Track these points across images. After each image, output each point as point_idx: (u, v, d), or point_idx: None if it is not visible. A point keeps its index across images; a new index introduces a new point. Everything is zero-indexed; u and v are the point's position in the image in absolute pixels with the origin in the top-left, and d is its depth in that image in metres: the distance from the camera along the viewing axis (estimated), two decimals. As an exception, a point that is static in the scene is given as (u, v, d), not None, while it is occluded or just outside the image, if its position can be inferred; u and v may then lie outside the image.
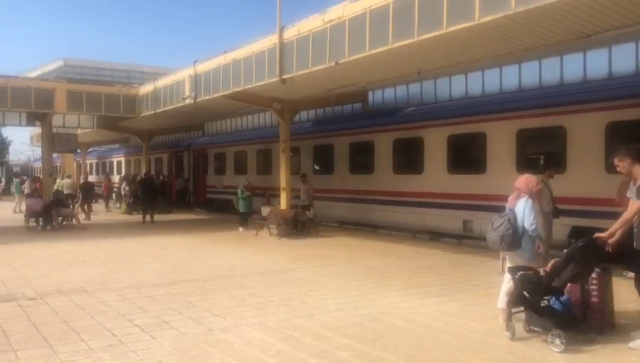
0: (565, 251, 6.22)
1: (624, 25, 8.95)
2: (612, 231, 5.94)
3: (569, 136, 11.61)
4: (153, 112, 20.63)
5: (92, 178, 34.74)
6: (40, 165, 26.42)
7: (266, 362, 5.41)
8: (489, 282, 9.13)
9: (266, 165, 22.07)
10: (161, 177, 27.44)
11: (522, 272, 6.13)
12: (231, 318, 6.98)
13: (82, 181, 23.28)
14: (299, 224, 15.98)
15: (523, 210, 6.48)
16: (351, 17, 11.18)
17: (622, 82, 11.65)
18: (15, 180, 32.40)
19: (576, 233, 10.50)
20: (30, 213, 18.71)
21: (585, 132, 11.31)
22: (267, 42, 13.92)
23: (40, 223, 18.44)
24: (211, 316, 7.07)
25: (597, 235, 6.05)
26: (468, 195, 13.79)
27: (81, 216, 20.11)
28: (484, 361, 5.40)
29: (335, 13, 11.64)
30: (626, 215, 5.89)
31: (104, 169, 39.38)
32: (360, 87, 16.67)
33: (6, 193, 40.41)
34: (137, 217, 21.25)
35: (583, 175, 11.26)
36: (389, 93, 18.83)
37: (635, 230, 5.87)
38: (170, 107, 19.30)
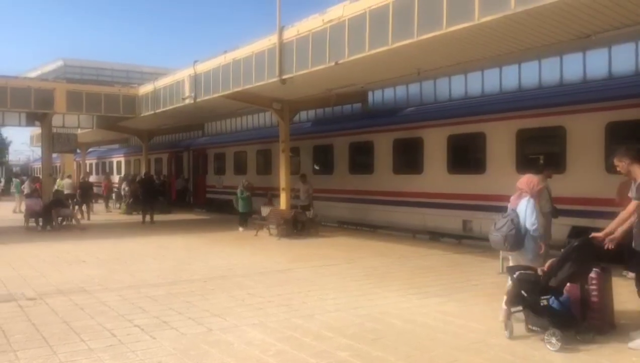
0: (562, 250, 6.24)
1: (623, 25, 8.96)
2: (608, 231, 5.96)
3: (568, 136, 11.61)
4: (153, 112, 20.64)
5: (92, 178, 34.83)
6: (40, 165, 26.43)
7: (266, 362, 5.40)
8: (488, 282, 9.14)
9: (266, 165, 22.06)
10: (162, 177, 27.46)
11: (520, 272, 6.17)
12: (231, 318, 6.98)
13: (80, 181, 23.23)
14: (298, 225, 15.98)
15: (525, 210, 6.50)
16: (351, 17, 11.18)
17: (622, 82, 11.65)
18: (16, 180, 32.38)
19: (576, 233, 10.49)
20: (30, 213, 18.70)
21: (585, 132, 11.32)
22: (266, 42, 13.92)
23: (40, 223, 18.44)
24: (211, 316, 7.07)
25: (593, 234, 6.07)
26: (468, 195, 13.80)
27: (79, 217, 20.08)
28: (483, 361, 5.40)
29: (335, 13, 11.64)
30: (623, 215, 5.92)
31: (104, 169, 39.38)
32: (360, 87, 16.67)
33: (5, 193, 40.42)
34: (137, 217, 21.24)
35: (583, 175, 11.27)
36: (388, 93, 18.83)
37: (635, 230, 5.87)
38: (170, 107, 19.30)
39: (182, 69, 18.47)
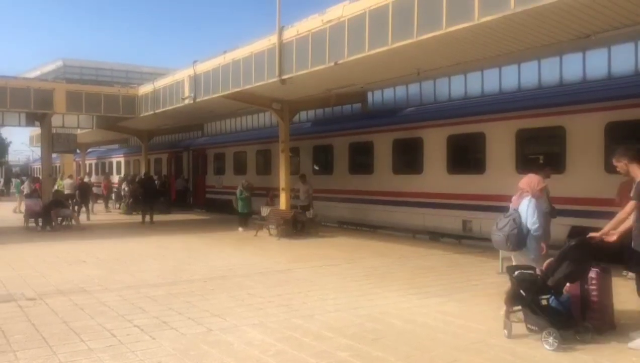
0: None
1: (623, 25, 8.96)
2: (605, 231, 5.97)
3: (568, 136, 11.61)
4: (152, 112, 20.64)
5: (92, 178, 34.83)
6: (40, 165, 26.40)
7: (266, 362, 5.40)
8: (488, 282, 9.14)
9: (265, 165, 22.06)
10: (162, 177, 27.45)
11: (519, 271, 6.19)
12: (231, 318, 6.97)
13: (78, 183, 23.21)
14: (298, 225, 15.98)
15: (526, 210, 6.51)
16: (350, 18, 11.18)
17: (622, 82, 11.65)
18: (16, 181, 32.40)
19: (576, 233, 10.49)
20: (30, 214, 18.71)
21: (584, 132, 11.32)
22: (266, 42, 13.92)
23: (40, 224, 18.44)
24: (211, 316, 7.07)
25: (590, 234, 6.08)
26: (467, 195, 13.80)
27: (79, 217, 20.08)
28: (483, 361, 5.40)
29: (334, 13, 11.64)
30: (620, 215, 5.92)
31: (104, 169, 39.36)
32: (360, 87, 16.68)
33: (5, 193, 40.40)
34: (137, 217, 21.23)
35: (582, 175, 11.27)
36: (388, 93, 18.83)
37: (635, 231, 5.87)
38: (170, 107, 19.31)
39: (182, 70, 18.47)
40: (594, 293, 6.20)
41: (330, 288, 8.79)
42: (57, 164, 37.40)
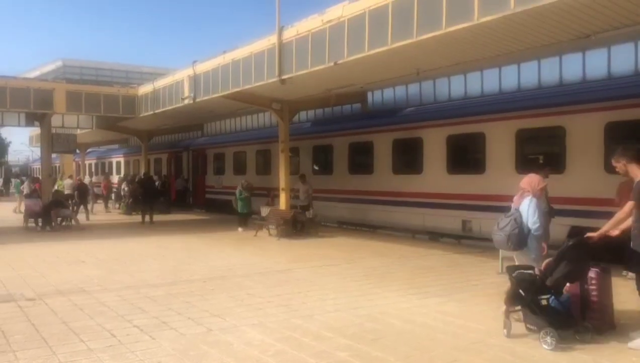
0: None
1: (623, 25, 8.96)
2: (603, 231, 5.96)
3: (568, 136, 11.62)
4: (152, 112, 20.64)
5: (92, 179, 34.83)
6: (40, 166, 26.39)
7: (265, 362, 5.40)
8: (488, 282, 9.14)
9: (265, 165, 22.06)
10: (162, 178, 27.45)
11: (518, 271, 6.20)
12: (230, 318, 6.97)
13: (77, 183, 23.20)
14: (298, 225, 15.97)
15: (527, 209, 6.52)
16: (350, 18, 11.18)
17: (621, 82, 11.65)
18: (16, 181, 32.40)
19: (575, 233, 10.49)
20: (30, 214, 18.70)
21: (584, 132, 11.32)
22: (266, 42, 13.92)
23: (40, 224, 18.43)
24: (210, 316, 7.07)
25: (588, 234, 6.08)
26: (467, 195, 13.80)
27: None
28: (483, 361, 5.39)
29: (334, 13, 11.64)
30: (619, 215, 5.92)
31: (103, 169, 39.35)
32: (360, 87, 16.68)
33: (4, 193, 40.38)
34: (137, 217, 21.23)
35: (582, 175, 11.27)
36: (388, 93, 18.83)
37: (634, 231, 5.87)
38: (170, 107, 19.30)
39: (182, 70, 18.47)
40: (594, 293, 6.20)
41: (330, 288, 8.79)
42: (57, 165, 37.37)
